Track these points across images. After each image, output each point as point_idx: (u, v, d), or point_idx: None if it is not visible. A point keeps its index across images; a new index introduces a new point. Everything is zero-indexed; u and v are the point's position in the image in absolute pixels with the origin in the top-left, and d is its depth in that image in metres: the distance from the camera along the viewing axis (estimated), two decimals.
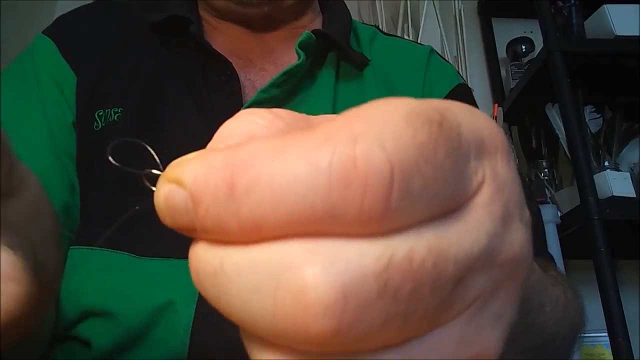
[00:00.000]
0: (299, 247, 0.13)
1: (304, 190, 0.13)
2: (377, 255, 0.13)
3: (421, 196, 0.13)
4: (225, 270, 0.13)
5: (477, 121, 0.15)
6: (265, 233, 0.13)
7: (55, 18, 0.61)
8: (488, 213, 0.14)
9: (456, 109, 0.15)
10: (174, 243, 0.45)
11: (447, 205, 0.14)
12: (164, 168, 0.16)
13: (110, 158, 0.18)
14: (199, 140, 0.56)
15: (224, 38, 0.58)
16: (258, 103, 0.51)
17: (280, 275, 0.13)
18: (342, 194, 0.12)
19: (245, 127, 0.15)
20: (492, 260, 0.14)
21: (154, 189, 0.15)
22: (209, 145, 0.16)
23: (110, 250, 0.46)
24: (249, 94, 0.54)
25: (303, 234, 0.13)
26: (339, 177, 0.12)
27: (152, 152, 0.17)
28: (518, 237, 0.15)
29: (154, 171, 0.16)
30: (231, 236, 0.13)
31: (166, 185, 0.14)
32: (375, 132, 0.13)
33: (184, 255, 0.46)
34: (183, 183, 0.14)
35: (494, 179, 0.15)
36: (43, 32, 0.57)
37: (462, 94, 0.60)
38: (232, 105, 0.52)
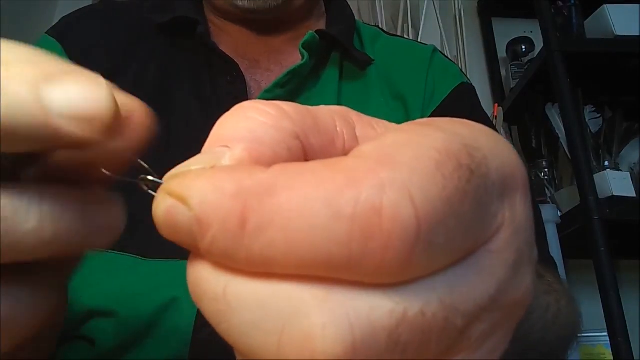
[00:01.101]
0: (309, 291, 0.12)
1: (321, 237, 0.12)
2: (389, 309, 0.12)
3: (442, 249, 0.12)
4: (227, 299, 0.13)
5: (502, 155, 0.14)
6: (274, 270, 0.12)
7: (56, 18, 0.60)
8: (501, 260, 0.14)
9: (483, 141, 0.14)
10: (178, 245, 0.45)
11: (464, 254, 0.13)
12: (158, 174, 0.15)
13: (102, 169, 0.17)
14: (205, 141, 0.56)
15: (230, 39, 0.58)
16: None
17: (288, 318, 0.12)
18: (362, 246, 0.12)
19: (247, 126, 0.14)
20: (497, 305, 0.14)
21: (153, 193, 0.14)
22: (206, 145, 0.15)
23: (116, 252, 0.46)
24: (255, 94, 0.54)
25: (314, 277, 0.12)
26: (361, 228, 0.12)
27: (143, 164, 0.16)
28: (524, 281, 0.14)
29: (150, 177, 0.15)
30: (238, 266, 0.13)
31: (167, 200, 0.13)
32: (404, 181, 0.12)
33: (187, 256, 0.45)
34: (188, 203, 0.13)
35: (512, 222, 0.14)
36: (47, 33, 0.57)
37: (464, 92, 0.60)
38: None
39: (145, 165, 0.16)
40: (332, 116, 0.16)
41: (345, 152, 0.16)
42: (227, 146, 0.14)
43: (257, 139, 0.14)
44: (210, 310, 0.13)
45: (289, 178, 0.12)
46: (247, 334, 0.12)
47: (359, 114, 0.17)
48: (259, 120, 0.14)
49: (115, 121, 0.14)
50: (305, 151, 0.15)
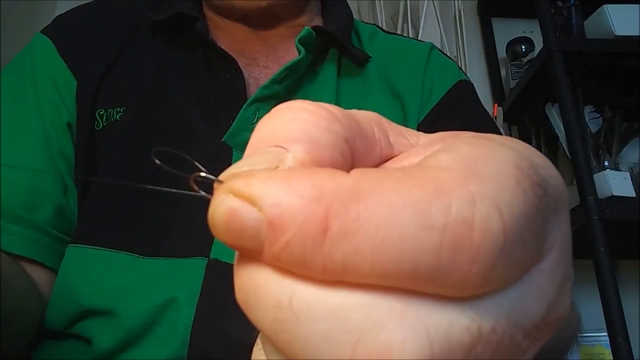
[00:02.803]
0: (386, 303, 0.12)
1: (410, 247, 0.11)
2: (466, 325, 0.12)
3: (516, 264, 0.12)
4: (293, 308, 0.12)
5: (554, 174, 0.14)
6: (351, 279, 0.12)
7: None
8: (551, 280, 0.14)
9: (538, 160, 0.14)
10: (177, 243, 0.45)
11: (525, 271, 0.13)
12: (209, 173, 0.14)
13: (156, 160, 0.16)
14: (203, 138, 0.56)
15: (228, 37, 0.58)
16: (260, 100, 0.51)
17: (364, 330, 0.11)
18: (451, 258, 0.11)
19: (301, 127, 0.14)
20: (545, 322, 0.14)
21: (203, 193, 0.14)
22: (254, 145, 0.14)
23: (113, 250, 0.46)
24: (253, 91, 0.54)
25: (389, 288, 0.12)
26: (452, 240, 0.11)
27: (199, 166, 0.15)
28: (566, 300, 0.14)
29: (203, 174, 0.14)
30: (309, 274, 0.12)
31: (231, 200, 0.12)
32: (493, 195, 0.12)
33: (186, 254, 0.46)
34: (258, 204, 0.12)
35: (562, 242, 0.14)
36: (42, 32, 0.57)
37: (463, 90, 0.60)
38: (235, 102, 0.51)
39: (201, 167, 0.15)
40: (369, 122, 0.16)
41: (382, 159, 0.16)
42: (282, 147, 0.14)
43: (313, 141, 0.14)
44: (269, 319, 0.12)
45: (374, 184, 0.12)
46: (314, 345, 0.12)
47: (389, 121, 0.16)
48: (312, 121, 0.14)
49: None
50: (352, 155, 0.14)
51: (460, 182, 0.12)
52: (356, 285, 0.12)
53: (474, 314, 0.12)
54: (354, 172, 0.12)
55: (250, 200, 0.12)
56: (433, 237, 0.11)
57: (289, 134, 0.14)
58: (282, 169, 0.13)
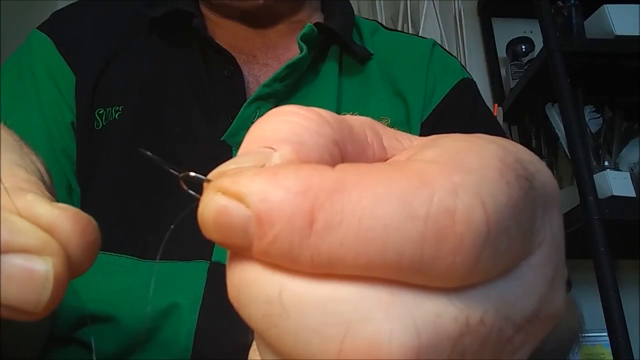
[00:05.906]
0: (374, 295, 0.12)
1: (394, 237, 0.11)
2: (454, 315, 0.12)
3: (503, 256, 0.12)
4: (283, 302, 0.12)
5: (543, 171, 0.14)
6: (338, 271, 0.12)
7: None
8: (542, 275, 0.14)
9: (527, 157, 0.14)
10: (177, 245, 0.45)
11: (514, 265, 0.13)
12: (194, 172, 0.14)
13: (148, 152, 0.16)
14: (202, 137, 0.55)
15: (226, 34, 0.57)
16: (261, 98, 0.50)
17: (352, 322, 0.12)
18: (434, 248, 0.12)
19: (291, 129, 0.14)
20: (537, 318, 0.14)
21: (192, 192, 0.14)
22: (246, 146, 0.14)
23: (112, 253, 0.45)
24: (253, 89, 0.53)
25: (377, 279, 0.12)
26: (435, 229, 0.11)
27: (174, 171, 0.15)
28: (558, 297, 0.14)
29: (192, 174, 0.15)
30: (298, 267, 0.12)
31: (220, 198, 0.13)
32: (476, 186, 0.12)
33: (188, 258, 0.45)
34: (246, 201, 0.12)
35: (552, 238, 0.14)
36: (38, 28, 0.56)
37: (466, 89, 0.59)
38: (235, 100, 0.51)
39: (174, 171, 0.15)
40: (362, 126, 0.16)
41: (375, 162, 0.16)
42: (271, 147, 0.14)
43: (302, 142, 0.14)
44: (260, 314, 0.12)
45: (359, 177, 0.12)
46: (304, 339, 0.12)
47: (383, 126, 0.17)
48: (302, 124, 0.14)
49: (53, 301, 0.16)
50: (342, 158, 0.15)
51: (442, 174, 0.12)
52: (344, 278, 0.12)
53: (462, 305, 0.12)
54: (340, 166, 0.13)
55: (238, 198, 0.12)
56: (416, 227, 0.11)
57: (278, 135, 0.14)
58: (269, 166, 0.13)
